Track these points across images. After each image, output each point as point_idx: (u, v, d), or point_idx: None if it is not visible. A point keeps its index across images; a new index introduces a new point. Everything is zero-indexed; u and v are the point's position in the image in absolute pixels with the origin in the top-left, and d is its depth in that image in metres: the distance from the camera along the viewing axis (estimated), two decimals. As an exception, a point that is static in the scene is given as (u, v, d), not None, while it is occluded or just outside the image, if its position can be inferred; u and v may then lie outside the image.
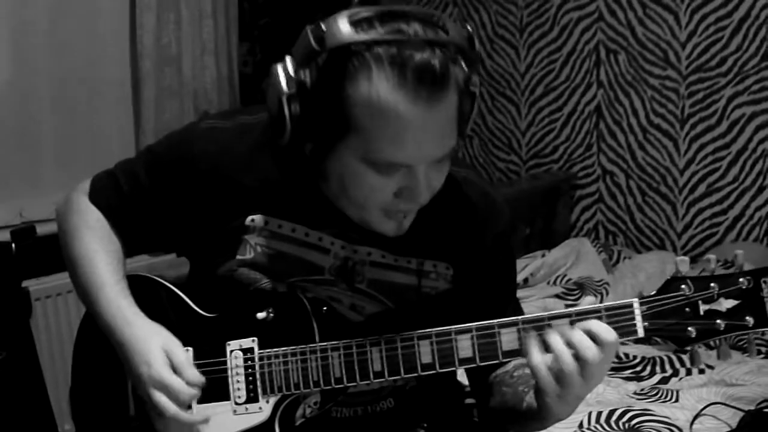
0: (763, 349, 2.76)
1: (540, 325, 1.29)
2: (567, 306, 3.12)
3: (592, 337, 1.23)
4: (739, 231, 3.72)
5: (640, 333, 1.26)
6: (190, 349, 1.43)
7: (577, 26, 4.03)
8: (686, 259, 1.28)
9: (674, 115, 3.80)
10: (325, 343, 1.36)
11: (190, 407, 1.38)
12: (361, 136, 1.26)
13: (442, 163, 1.33)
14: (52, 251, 1.63)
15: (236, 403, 1.41)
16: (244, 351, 1.41)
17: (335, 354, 1.36)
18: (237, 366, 1.41)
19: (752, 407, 2.36)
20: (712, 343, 1.27)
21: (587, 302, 1.30)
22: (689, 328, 1.25)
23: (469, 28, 1.30)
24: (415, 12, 1.26)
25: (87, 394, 1.62)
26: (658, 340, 2.91)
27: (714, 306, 1.25)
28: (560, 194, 4.10)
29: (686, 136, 3.78)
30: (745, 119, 3.62)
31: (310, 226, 1.47)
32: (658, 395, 2.52)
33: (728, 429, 2.28)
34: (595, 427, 2.30)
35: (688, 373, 2.70)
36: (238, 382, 1.41)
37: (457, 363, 1.32)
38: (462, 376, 1.65)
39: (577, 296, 3.32)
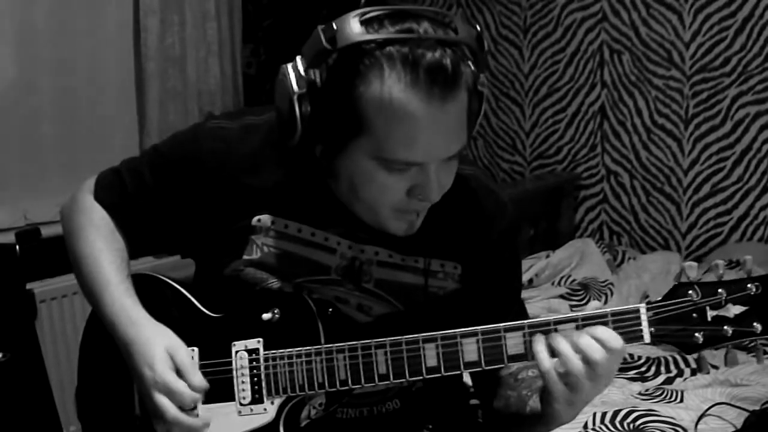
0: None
1: (546, 329, 1.28)
2: (572, 306, 3.12)
3: (600, 343, 1.23)
4: (743, 231, 3.71)
5: (647, 339, 1.25)
6: (196, 349, 1.43)
7: (581, 27, 4.02)
8: (694, 264, 1.27)
9: (678, 115, 3.79)
10: (330, 345, 1.36)
11: (194, 409, 1.38)
12: (374, 136, 1.26)
13: (452, 161, 1.34)
14: (56, 253, 1.63)
15: (241, 404, 1.41)
16: (250, 352, 1.41)
17: (340, 356, 1.35)
18: (242, 367, 1.41)
19: (757, 407, 2.35)
20: (717, 348, 1.27)
21: (592, 307, 1.30)
22: (696, 334, 1.24)
23: (477, 27, 1.30)
24: (425, 11, 1.27)
25: (93, 394, 1.62)
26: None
27: (722, 312, 1.24)
28: (564, 195, 4.09)
29: (690, 136, 3.78)
30: (750, 119, 3.62)
31: (316, 226, 1.47)
32: (663, 396, 2.51)
33: (733, 429, 2.28)
34: (600, 428, 2.29)
35: (693, 373, 2.69)
36: (243, 383, 1.41)
37: (462, 366, 1.31)
38: (467, 377, 1.64)
39: (581, 297, 3.31)
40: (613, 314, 1.26)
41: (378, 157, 1.28)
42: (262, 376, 1.40)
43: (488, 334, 1.30)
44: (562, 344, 1.25)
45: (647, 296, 3.21)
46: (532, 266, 3.65)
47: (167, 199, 1.51)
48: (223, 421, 1.40)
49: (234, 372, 1.41)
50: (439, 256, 1.50)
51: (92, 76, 3.34)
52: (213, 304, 1.49)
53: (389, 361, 1.33)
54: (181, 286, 1.54)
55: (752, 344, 1.26)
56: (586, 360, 1.23)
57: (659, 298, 1.27)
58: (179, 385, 1.35)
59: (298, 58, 1.31)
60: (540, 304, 3.17)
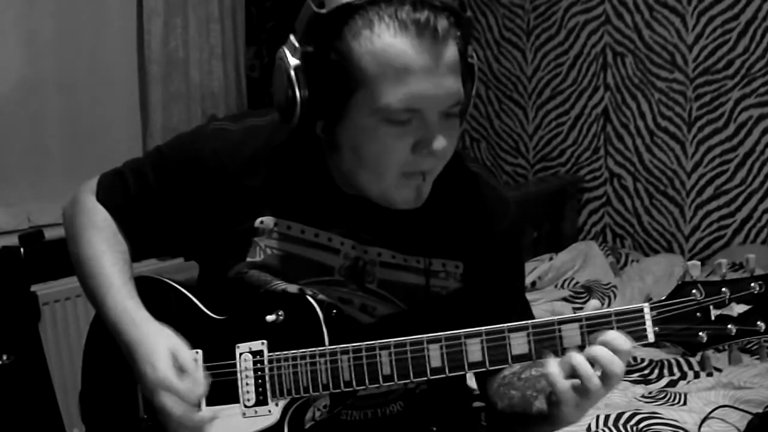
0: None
1: (550, 329, 1.28)
2: (575, 309, 3.12)
3: (613, 350, 1.23)
4: (746, 233, 3.71)
5: (651, 338, 1.25)
6: (200, 351, 1.44)
7: (584, 29, 4.02)
8: (697, 263, 1.28)
9: (681, 117, 3.79)
10: (334, 347, 1.36)
11: (197, 407, 1.38)
12: (370, 86, 1.29)
13: (452, 119, 1.35)
14: (60, 255, 1.63)
15: (245, 406, 1.41)
16: (254, 353, 1.41)
17: (344, 357, 1.35)
18: (246, 369, 1.41)
19: (760, 410, 2.35)
20: (721, 347, 1.27)
21: (592, 306, 1.30)
22: (700, 333, 1.24)
23: None
24: None
25: (97, 397, 1.62)
26: (667, 343, 2.92)
27: (725, 311, 1.24)
28: (567, 197, 4.10)
29: (693, 138, 3.78)
30: (753, 121, 3.62)
31: (319, 226, 1.47)
32: (666, 398, 2.51)
33: (737, 432, 2.28)
34: (604, 431, 2.29)
35: (696, 376, 2.69)
36: (247, 384, 1.41)
37: (466, 367, 1.31)
38: (470, 380, 1.64)
39: (584, 299, 3.31)
40: (617, 314, 1.26)
41: (377, 109, 1.29)
42: (267, 378, 1.40)
43: (492, 334, 1.30)
44: (579, 362, 1.24)
45: (650, 299, 3.21)
46: (535, 269, 3.65)
47: (170, 201, 1.51)
48: (227, 423, 1.40)
49: (238, 374, 1.42)
50: (441, 255, 1.50)
51: (96, 78, 3.34)
52: (217, 307, 1.49)
53: (393, 362, 1.33)
54: (185, 289, 1.54)
55: (755, 346, 1.26)
56: (605, 373, 1.23)
57: (663, 298, 1.27)
58: (182, 385, 1.35)
59: (291, 36, 1.34)
60: (543, 307, 3.16)
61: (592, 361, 1.23)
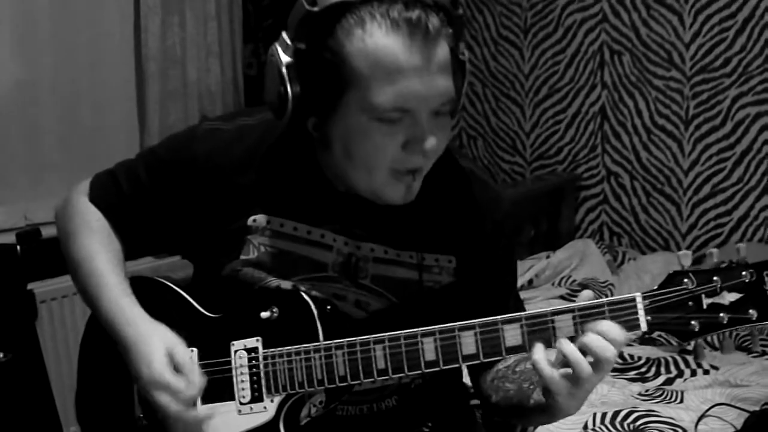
0: (768, 349, 2.77)
1: (543, 320, 1.28)
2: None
3: (606, 338, 1.23)
4: (743, 232, 3.72)
5: (643, 327, 1.26)
6: (195, 349, 1.44)
7: (581, 27, 4.03)
8: (688, 252, 1.28)
9: (678, 116, 3.80)
10: (328, 342, 1.36)
11: (194, 406, 1.38)
12: (361, 86, 1.29)
13: (443, 118, 1.35)
14: (57, 253, 1.63)
15: (241, 403, 1.41)
16: (249, 351, 1.41)
17: (339, 352, 1.35)
18: (241, 366, 1.41)
19: (757, 408, 2.36)
20: (716, 337, 1.27)
21: (585, 296, 1.30)
22: (692, 322, 1.25)
23: None
24: None
25: (92, 397, 1.62)
26: (662, 340, 2.92)
27: (717, 299, 1.24)
28: (565, 195, 4.10)
29: (691, 137, 3.78)
30: (750, 120, 3.62)
31: (311, 223, 1.47)
32: (663, 396, 2.52)
33: (733, 430, 2.28)
34: (600, 428, 2.30)
35: (693, 374, 2.70)
36: (242, 381, 1.41)
37: (460, 360, 1.31)
38: (466, 378, 1.64)
39: (581, 297, 3.30)
40: (610, 304, 1.27)
41: (368, 108, 1.30)
42: (262, 375, 1.40)
43: (486, 326, 1.30)
44: (569, 349, 1.24)
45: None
46: (532, 267, 3.66)
47: (163, 200, 1.52)
48: (223, 420, 1.40)
49: (233, 371, 1.42)
50: (434, 250, 1.50)
51: (93, 76, 3.34)
52: (211, 305, 1.49)
53: (388, 356, 1.33)
54: (179, 288, 1.54)
55: (750, 344, 1.27)
56: (597, 360, 1.23)
57: (655, 288, 1.27)
58: (178, 383, 1.35)
59: (284, 33, 1.34)
60: (540, 305, 3.15)
61: (584, 349, 1.24)
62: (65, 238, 1.57)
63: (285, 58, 1.32)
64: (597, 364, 1.23)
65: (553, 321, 1.28)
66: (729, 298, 1.24)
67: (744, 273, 1.24)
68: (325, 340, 1.37)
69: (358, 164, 1.36)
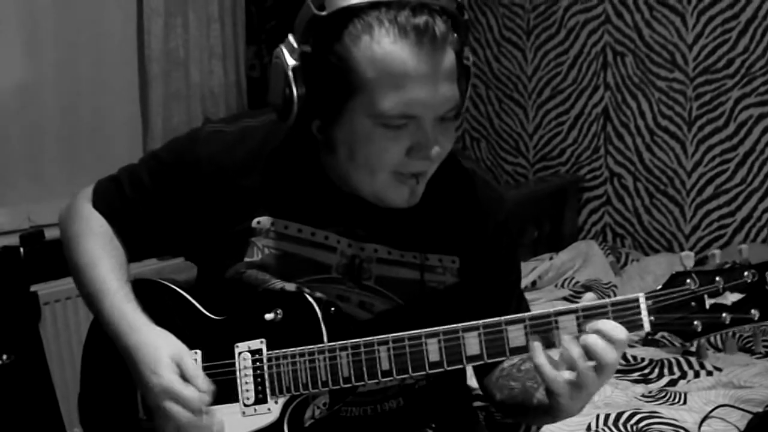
0: (771, 350, 2.76)
1: (547, 321, 1.29)
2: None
3: (608, 339, 1.23)
4: (747, 233, 3.71)
5: (647, 327, 1.26)
6: (199, 351, 1.44)
7: (584, 29, 4.03)
8: (691, 254, 1.29)
9: (681, 117, 3.79)
10: (333, 343, 1.36)
11: (204, 414, 1.38)
12: (367, 92, 1.29)
13: (448, 123, 1.36)
14: (60, 255, 1.63)
15: (245, 405, 1.41)
16: (253, 352, 1.41)
17: (343, 354, 1.35)
18: (245, 367, 1.41)
19: (761, 409, 2.35)
20: (718, 336, 1.28)
21: (589, 299, 1.30)
22: (695, 322, 1.25)
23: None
24: None
25: (96, 399, 1.62)
26: (666, 342, 2.92)
27: (720, 300, 1.25)
28: (568, 197, 4.10)
29: (694, 138, 3.78)
30: (753, 121, 3.62)
31: (315, 225, 1.47)
32: (666, 397, 2.51)
33: (737, 431, 2.28)
34: (603, 430, 2.29)
35: (696, 375, 2.69)
36: (246, 383, 1.41)
37: (465, 360, 1.31)
38: (471, 379, 1.64)
39: (584, 299, 3.30)
40: (613, 304, 1.27)
41: (373, 114, 1.30)
42: (266, 376, 1.40)
43: (490, 327, 1.30)
44: (574, 354, 1.24)
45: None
46: (535, 268, 3.66)
47: (167, 204, 1.52)
48: (227, 422, 1.40)
49: (237, 373, 1.42)
50: (437, 250, 1.50)
51: (96, 78, 3.34)
52: (215, 307, 1.49)
53: (392, 357, 1.33)
54: (183, 290, 1.54)
55: (753, 345, 1.27)
56: (599, 363, 1.23)
57: (658, 288, 1.27)
58: (188, 391, 1.34)
59: (290, 36, 1.35)
60: (543, 307, 3.14)
61: (587, 351, 1.24)
62: (68, 244, 1.58)
63: (291, 61, 1.32)
64: (599, 368, 1.24)
65: (557, 322, 1.29)
66: (731, 298, 1.25)
67: (746, 273, 1.24)
68: (329, 341, 1.37)
69: (361, 167, 1.37)
